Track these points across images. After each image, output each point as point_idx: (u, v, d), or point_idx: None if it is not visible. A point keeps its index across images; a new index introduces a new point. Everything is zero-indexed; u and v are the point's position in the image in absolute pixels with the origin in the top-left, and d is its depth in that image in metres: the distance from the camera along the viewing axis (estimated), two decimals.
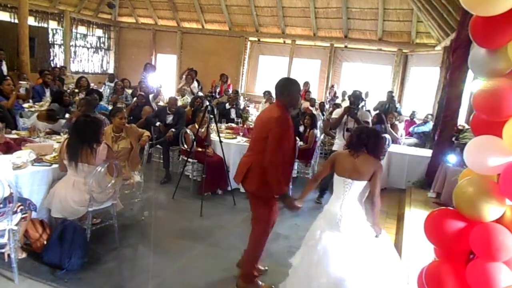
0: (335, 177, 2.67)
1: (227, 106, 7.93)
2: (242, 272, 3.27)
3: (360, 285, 2.50)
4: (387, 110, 8.51)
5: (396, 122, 7.81)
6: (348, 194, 2.57)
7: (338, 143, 5.24)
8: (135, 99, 7.55)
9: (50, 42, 11.87)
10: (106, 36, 14.06)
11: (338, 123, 5.23)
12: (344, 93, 10.58)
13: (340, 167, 2.62)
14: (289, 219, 4.61)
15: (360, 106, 5.52)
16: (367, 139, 2.62)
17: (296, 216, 4.57)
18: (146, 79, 8.98)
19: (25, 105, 6.28)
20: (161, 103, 8.09)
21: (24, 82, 6.34)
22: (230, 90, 9.74)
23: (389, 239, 2.76)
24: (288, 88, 3.02)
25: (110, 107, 6.40)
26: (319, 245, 2.59)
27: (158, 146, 6.14)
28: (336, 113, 5.48)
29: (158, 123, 6.15)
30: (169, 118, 6.26)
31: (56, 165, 3.61)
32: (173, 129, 5.93)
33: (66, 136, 4.16)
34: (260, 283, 3.25)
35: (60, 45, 12.23)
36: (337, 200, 2.64)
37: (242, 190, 5.51)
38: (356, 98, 5.25)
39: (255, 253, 3.21)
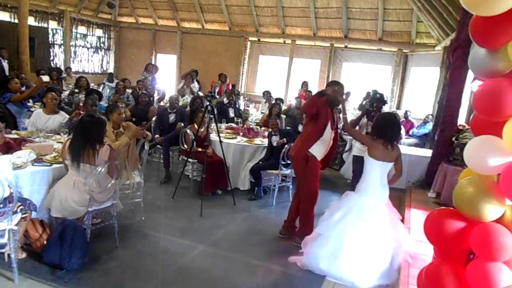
0: (372, 160, 3.50)
1: (225, 100, 7.93)
2: (300, 230, 4.06)
3: (372, 242, 3.33)
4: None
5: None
6: (383, 171, 3.53)
7: (358, 147, 5.03)
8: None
9: (50, 42, 11.86)
10: (106, 36, 14.04)
11: (354, 125, 5.02)
12: (348, 94, 10.50)
13: (376, 152, 3.50)
14: None
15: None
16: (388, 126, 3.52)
17: None
18: (155, 80, 8.94)
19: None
20: (161, 104, 8.11)
21: (46, 77, 6.31)
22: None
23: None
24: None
25: None
26: (345, 205, 3.51)
27: (158, 146, 6.14)
28: (356, 115, 5.33)
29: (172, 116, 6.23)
30: (171, 117, 6.26)
31: (56, 165, 3.60)
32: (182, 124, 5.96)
33: (67, 136, 4.17)
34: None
35: (60, 45, 12.22)
36: (371, 176, 3.52)
37: (242, 189, 5.59)
38: (378, 102, 5.05)
39: (310, 218, 4.08)
